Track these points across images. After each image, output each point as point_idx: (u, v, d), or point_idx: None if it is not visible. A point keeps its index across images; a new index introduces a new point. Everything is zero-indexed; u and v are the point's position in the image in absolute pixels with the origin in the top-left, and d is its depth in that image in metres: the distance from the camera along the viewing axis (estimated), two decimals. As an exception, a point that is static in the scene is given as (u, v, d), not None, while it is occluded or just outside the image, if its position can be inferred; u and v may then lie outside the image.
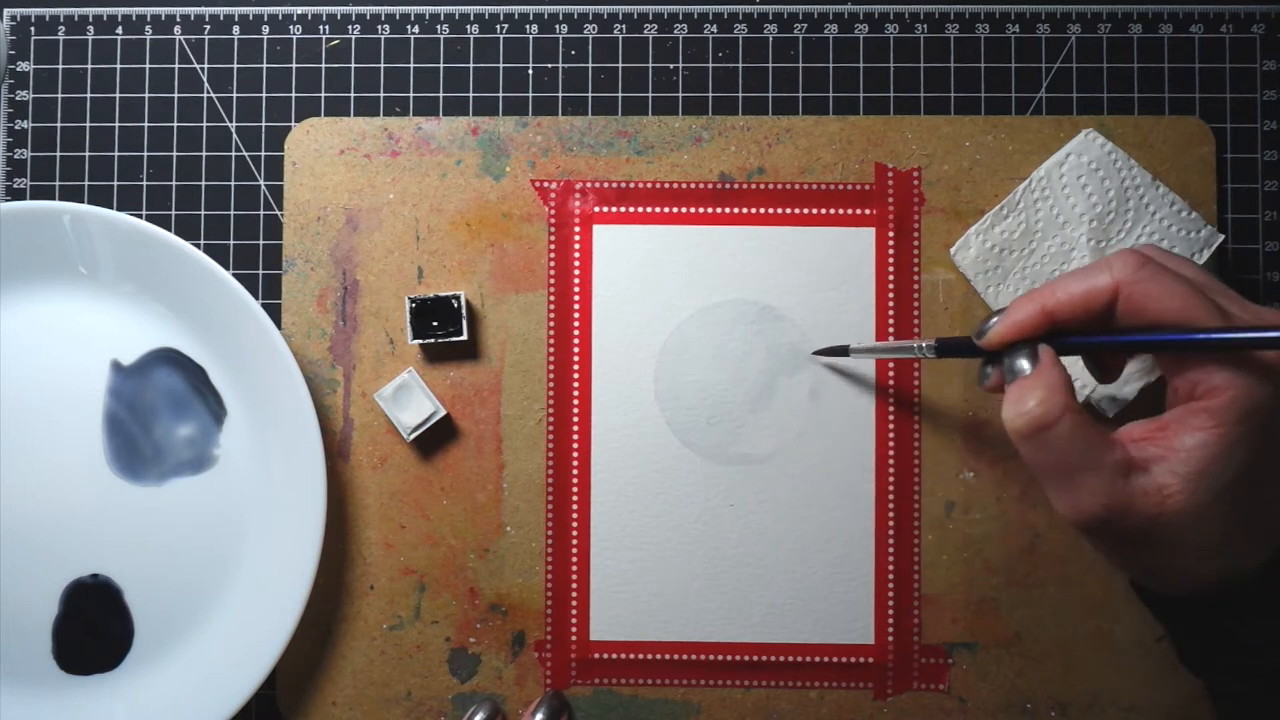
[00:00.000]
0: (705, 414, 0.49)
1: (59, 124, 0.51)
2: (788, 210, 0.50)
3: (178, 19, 0.51)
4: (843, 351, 0.48)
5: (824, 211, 0.50)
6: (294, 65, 0.51)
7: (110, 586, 0.49)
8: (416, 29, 0.51)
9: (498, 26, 0.51)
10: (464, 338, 0.48)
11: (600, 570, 0.49)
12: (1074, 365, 0.48)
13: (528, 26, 0.51)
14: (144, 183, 0.51)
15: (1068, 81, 0.51)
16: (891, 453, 0.49)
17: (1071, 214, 0.48)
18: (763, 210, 0.50)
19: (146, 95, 0.51)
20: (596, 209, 0.50)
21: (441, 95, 0.51)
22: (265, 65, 0.51)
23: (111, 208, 0.50)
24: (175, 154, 0.51)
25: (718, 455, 0.49)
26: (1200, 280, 0.36)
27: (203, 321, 0.49)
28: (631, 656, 0.49)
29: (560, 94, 0.51)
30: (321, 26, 0.51)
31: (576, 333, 0.50)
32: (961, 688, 0.49)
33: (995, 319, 0.38)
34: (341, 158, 0.50)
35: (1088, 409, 0.49)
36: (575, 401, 0.49)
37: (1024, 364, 0.36)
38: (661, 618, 0.49)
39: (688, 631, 0.49)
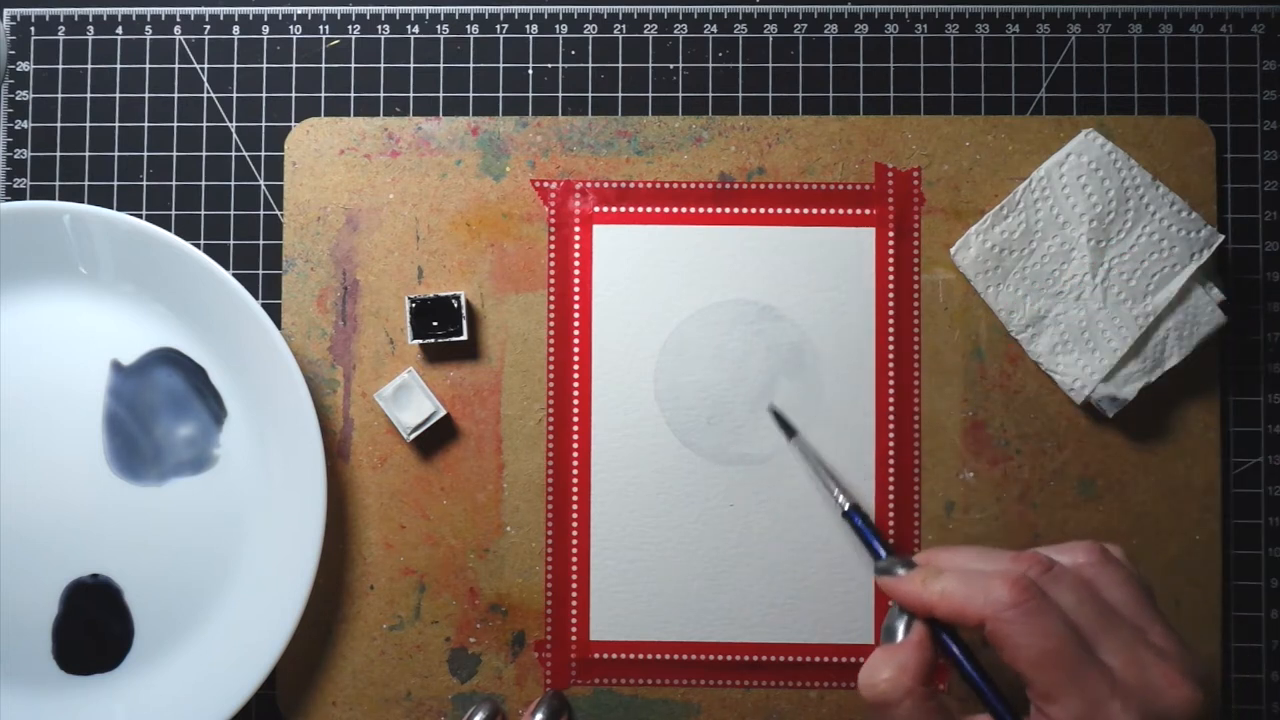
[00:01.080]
0: (705, 414, 0.49)
1: (59, 124, 0.51)
2: (788, 210, 0.50)
3: (178, 19, 0.51)
4: (789, 430, 0.49)
5: (824, 211, 0.50)
6: (294, 65, 0.51)
7: (110, 586, 0.49)
8: (416, 29, 0.51)
9: (498, 26, 0.51)
10: (464, 338, 0.48)
11: (600, 570, 0.49)
12: (1076, 365, 0.48)
13: (528, 26, 0.51)
14: (144, 183, 0.51)
15: (1068, 81, 0.51)
16: (891, 453, 0.49)
17: (1071, 214, 0.48)
18: (763, 210, 0.50)
19: (146, 95, 0.51)
20: (596, 209, 0.50)
21: (441, 95, 0.51)
22: (265, 65, 0.51)
23: (111, 208, 0.50)
24: (175, 154, 0.51)
25: (718, 455, 0.49)
26: (1092, 622, 0.35)
27: (203, 321, 0.49)
28: (631, 656, 0.49)
29: (560, 94, 0.51)
30: (321, 26, 0.51)
31: (576, 333, 0.50)
32: (961, 688, 0.49)
33: (889, 566, 0.40)
34: (341, 158, 0.50)
35: (1088, 408, 0.49)
36: (575, 401, 0.49)
37: (898, 627, 0.38)
38: (661, 618, 0.49)
39: (688, 631, 0.49)
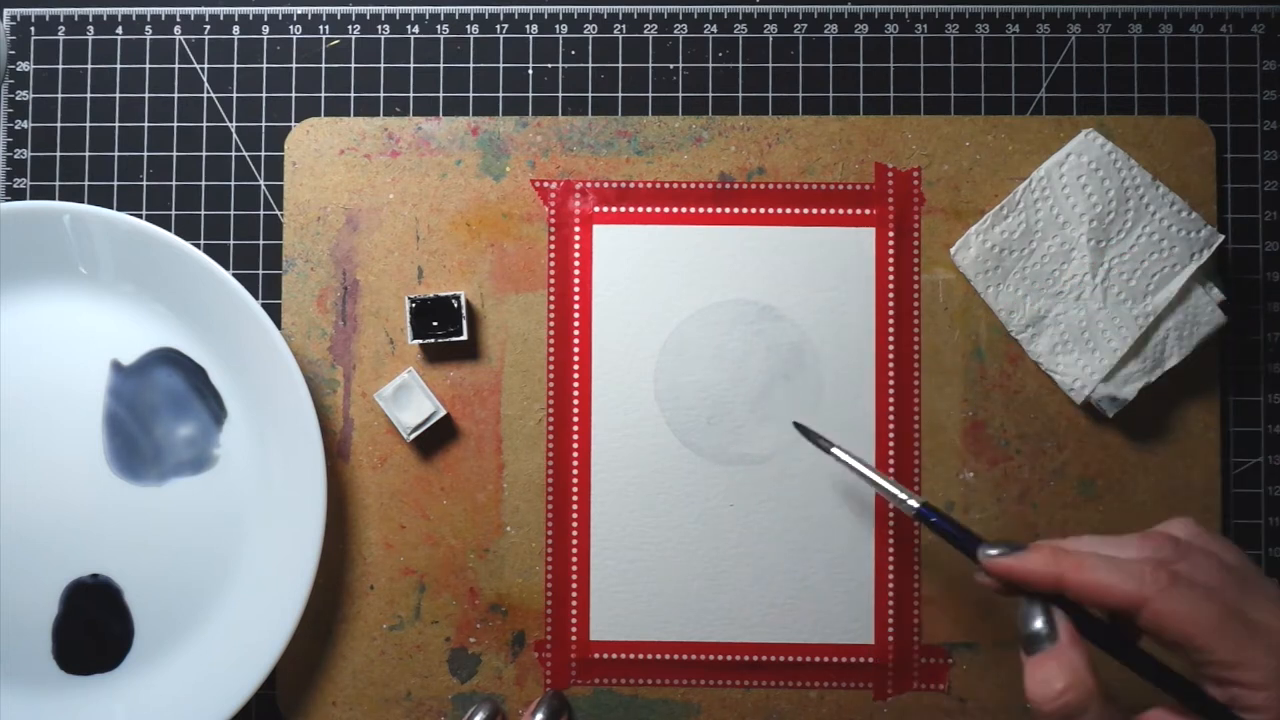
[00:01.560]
0: (705, 414, 0.49)
1: (59, 124, 0.51)
2: (788, 210, 0.50)
3: (178, 19, 0.51)
4: (824, 445, 0.46)
5: (824, 211, 0.50)
6: (294, 65, 0.51)
7: (110, 586, 0.49)
8: (416, 29, 0.51)
9: (498, 26, 0.51)
10: (464, 338, 0.48)
11: (600, 570, 0.49)
12: (1076, 365, 0.48)
13: (528, 26, 0.51)
14: (144, 183, 0.51)
15: (1068, 81, 0.51)
16: (891, 453, 0.49)
17: (1071, 214, 0.48)
18: (763, 210, 0.50)
19: (146, 95, 0.51)
20: (596, 209, 0.50)
21: (441, 95, 0.51)
22: (265, 65, 0.51)
23: (111, 208, 0.50)
24: (175, 154, 0.51)
25: (718, 455, 0.49)
26: (1232, 587, 0.35)
27: (203, 321, 0.49)
28: (631, 656, 0.49)
29: (560, 94, 0.51)
30: (321, 26, 0.51)
31: (576, 333, 0.50)
32: (961, 688, 0.49)
33: (1004, 550, 0.37)
34: (341, 158, 0.50)
35: (1088, 408, 0.49)
36: (575, 401, 0.49)
37: (1039, 625, 0.36)
38: (661, 618, 0.49)
39: (688, 631, 0.49)
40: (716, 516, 0.49)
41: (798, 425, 0.47)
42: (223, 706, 0.47)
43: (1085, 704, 0.34)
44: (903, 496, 0.42)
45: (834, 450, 0.45)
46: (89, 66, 0.51)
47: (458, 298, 0.48)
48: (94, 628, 0.49)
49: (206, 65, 0.51)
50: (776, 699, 0.49)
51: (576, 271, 0.50)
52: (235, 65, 0.51)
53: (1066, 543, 0.37)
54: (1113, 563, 0.35)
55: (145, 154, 0.51)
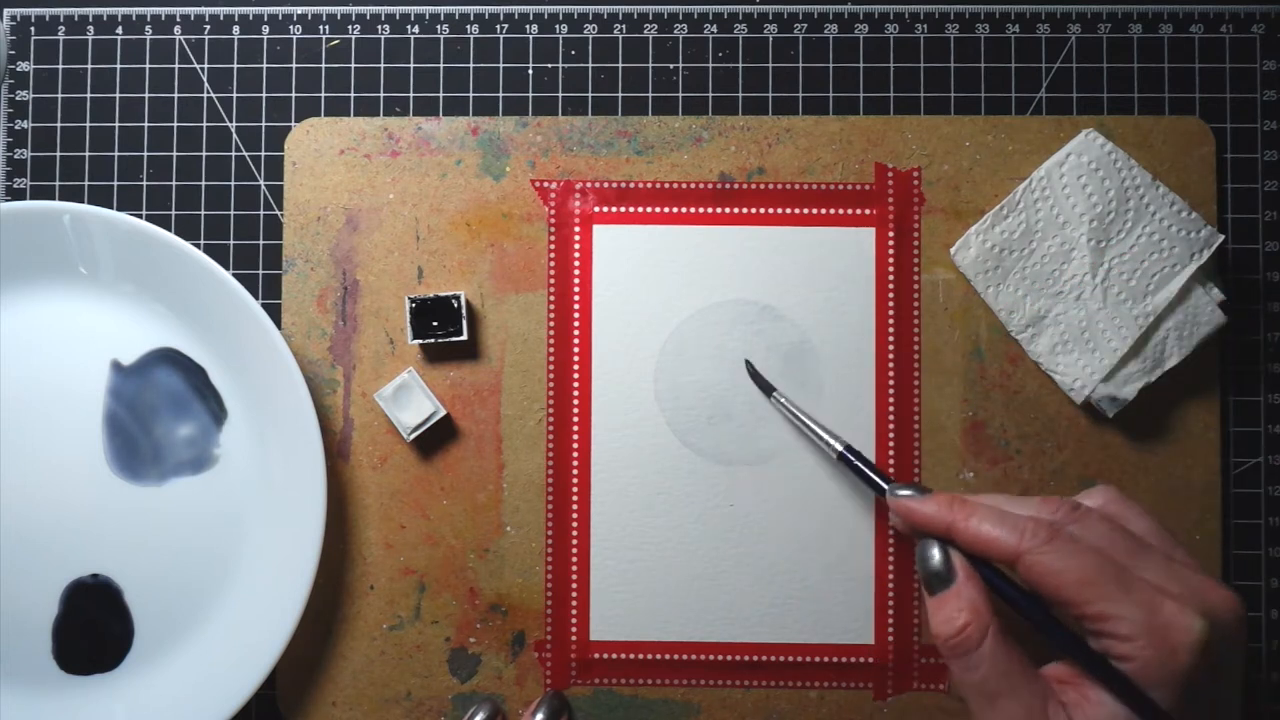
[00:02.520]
0: (705, 414, 0.49)
1: (59, 124, 0.51)
2: (788, 210, 0.50)
3: (178, 19, 0.51)
4: (766, 388, 0.49)
5: (824, 211, 0.50)
6: (294, 65, 0.51)
7: (110, 586, 0.49)
8: (416, 29, 0.51)
9: (498, 26, 0.51)
10: (464, 338, 0.48)
11: (600, 570, 0.49)
12: (1076, 365, 0.48)
13: (528, 26, 0.51)
14: (144, 183, 0.51)
15: (1068, 81, 0.51)
16: (891, 453, 0.49)
17: (1071, 214, 0.48)
18: (763, 210, 0.50)
19: (146, 95, 0.51)
20: (596, 209, 0.50)
21: (441, 95, 0.51)
22: (265, 65, 0.51)
23: (111, 208, 0.50)
24: (175, 154, 0.51)
25: (718, 455, 0.49)
26: (1120, 549, 0.36)
27: (203, 321, 0.49)
28: (631, 656, 0.49)
29: (560, 94, 0.51)
30: (321, 26, 0.51)
31: (576, 333, 0.50)
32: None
33: (911, 492, 0.40)
34: (341, 158, 0.50)
35: (1088, 408, 0.49)
36: (575, 401, 0.49)
37: (938, 564, 0.38)
38: (661, 618, 0.49)
39: (688, 631, 0.49)
40: (716, 516, 0.49)
41: (749, 364, 0.49)
42: (223, 706, 0.47)
43: (982, 637, 0.36)
44: (828, 439, 0.46)
45: (774, 396, 0.48)
46: (89, 66, 0.51)
47: (458, 298, 0.48)
48: (94, 628, 0.49)
49: (206, 65, 0.51)
50: (776, 699, 0.49)
51: (576, 271, 0.50)
52: (235, 65, 0.51)
53: (970, 498, 0.39)
54: (1000, 515, 0.37)
55: (145, 154, 0.51)
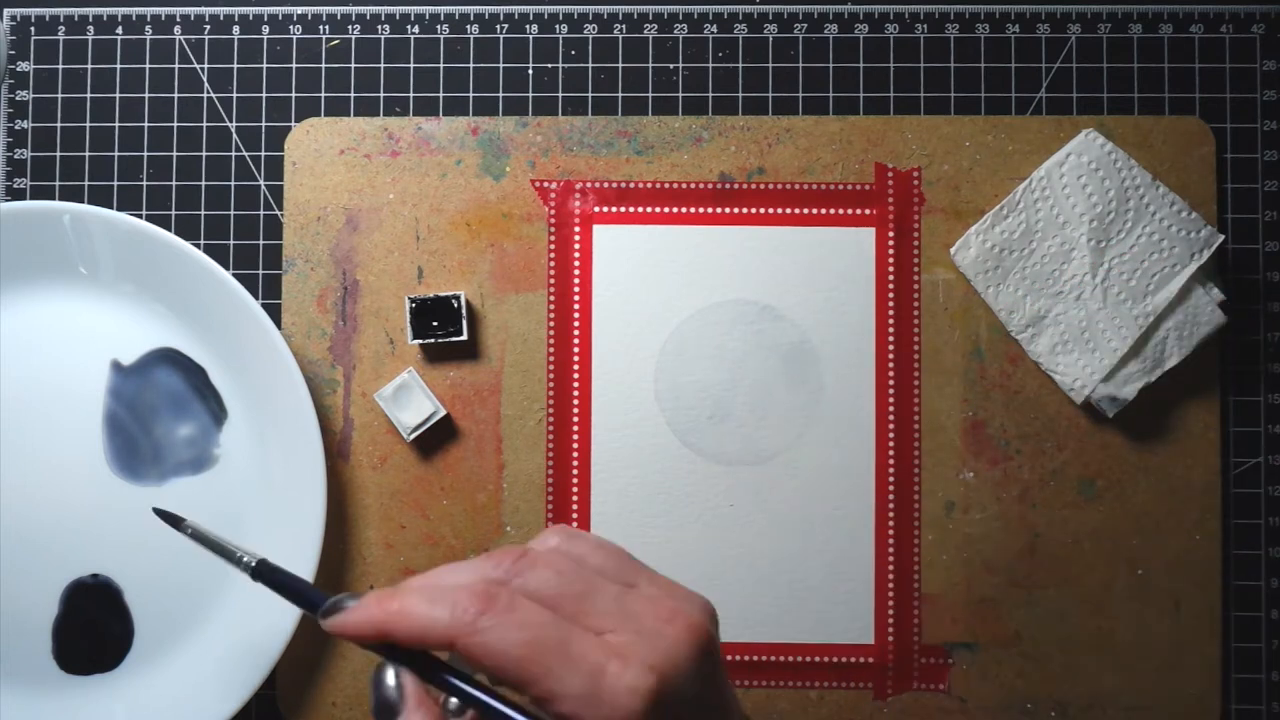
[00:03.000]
0: (705, 414, 0.49)
1: (59, 124, 0.51)
2: (788, 210, 0.50)
3: (178, 19, 0.51)
4: (175, 522, 0.39)
5: (824, 211, 0.50)
6: (294, 65, 0.51)
7: (110, 586, 0.49)
8: (416, 29, 0.51)
9: (498, 26, 0.51)
10: (464, 338, 0.48)
11: (600, 570, 0.49)
12: (1076, 365, 0.48)
13: (528, 26, 0.51)
14: (144, 183, 0.51)
15: (1068, 81, 0.51)
16: (891, 453, 0.49)
17: (1071, 214, 0.48)
18: (763, 210, 0.50)
19: (146, 95, 0.51)
20: (596, 209, 0.50)
21: (441, 95, 0.51)
22: (265, 65, 0.51)
23: (111, 208, 0.50)
24: (175, 154, 0.51)
25: (718, 455, 0.49)
26: (571, 598, 0.32)
27: (203, 321, 0.49)
28: (631, 656, 0.49)
29: (560, 94, 0.51)
30: (321, 26, 0.51)
31: (576, 333, 0.50)
32: (961, 688, 0.49)
33: (334, 604, 0.32)
34: (341, 158, 0.50)
35: (1088, 408, 0.49)
36: (575, 401, 0.49)
37: (390, 689, 0.32)
38: (661, 618, 0.49)
39: (688, 631, 0.49)
40: (716, 516, 0.49)
41: (156, 511, 0.40)
42: (223, 706, 0.47)
43: None
44: (241, 557, 0.36)
45: (184, 527, 0.39)
46: (89, 66, 0.51)
47: (458, 298, 0.48)
48: (94, 628, 0.49)
49: (206, 65, 0.51)
50: (776, 699, 0.49)
51: (576, 271, 0.50)
52: (235, 65, 0.51)
53: (412, 580, 0.32)
54: (431, 594, 0.31)
55: (145, 154, 0.51)
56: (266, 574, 0.35)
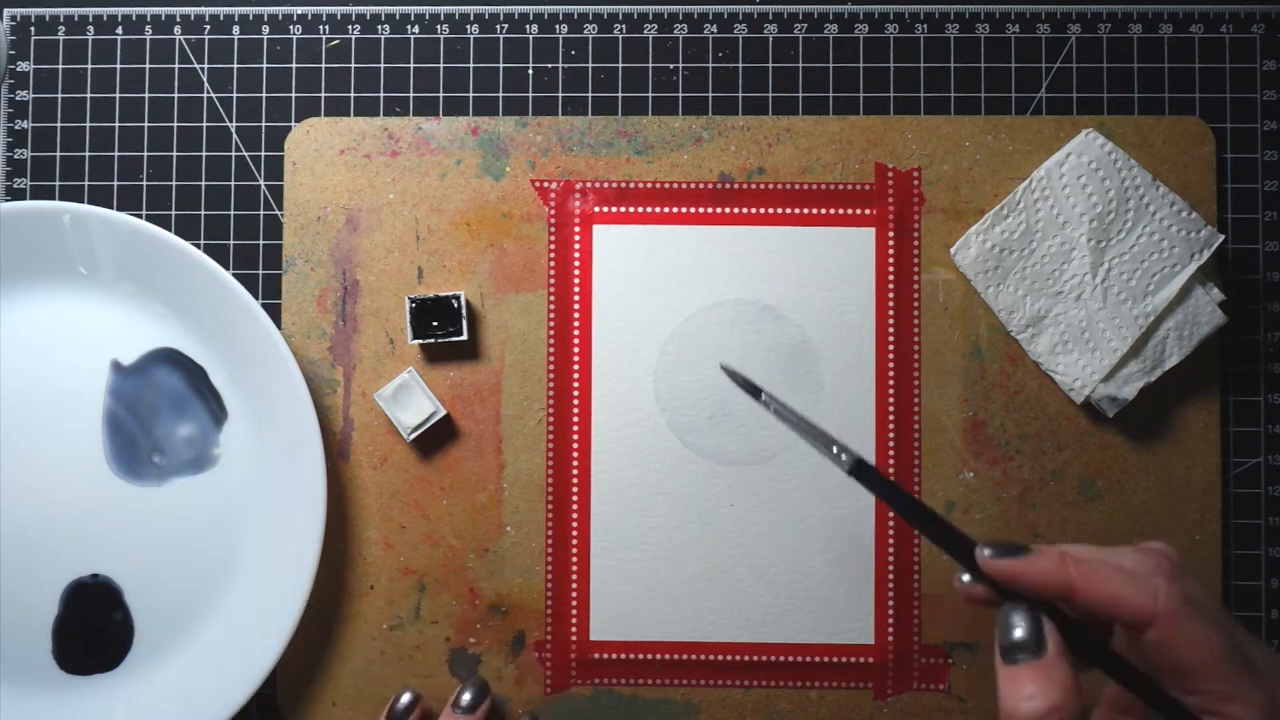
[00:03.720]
0: (705, 414, 0.49)
1: (59, 124, 0.51)
2: (788, 210, 0.50)
3: (178, 19, 0.51)
4: (753, 390, 0.40)
5: (824, 211, 0.50)
6: (294, 65, 0.51)
7: (110, 586, 0.49)
8: (416, 29, 0.51)
9: (498, 26, 0.51)
10: (464, 338, 0.48)
11: (600, 570, 0.49)
12: (1076, 365, 0.48)
13: (528, 26, 0.51)
14: (144, 183, 0.51)
15: (1068, 81, 0.51)
16: (891, 452, 0.49)
17: (1071, 214, 0.48)
18: (763, 210, 0.50)
19: (146, 95, 0.51)
20: (596, 209, 0.50)
21: (441, 95, 0.51)
22: (265, 65, 0.51)
23: (111, 208, 0.50)
24: (175, 154, 0.51)
25: (718, 455, 0.49)
26: (1228, 617, 0.34)
27: (203, 321, 0.49)
28: (631, 656, 0.49)
29: (560, 94, 0.51)
30: (321, 26, 0.51)
31: (576, 333, 0.50)
32: (961, 688, 0.49)
33: (1006, 551, 0.34)
34: (341, 158, 0.50)
35: (1088, 408, 0.49)
36: (575, 401, 0.49)
37: (1024, 634, 0.33)
38: (661, 618, 0.49)
39: (688, 631, 0.49)
40: (716, 516, 0.49)
41: (725, 369, 0.41)
42: (223, 706, 0.47)
43: None
44: (834, 447, 0.36)
45: (764, 397, 0.39)
46: (89, 66, 0.51)
47: (458, 298, 0.48)
48: (94, 628, 0.49)
49: (206, 65, 0.51)
50: (776, 699, 0.49)
51: (576, 271, 0.50)
52: (235, 65, 0.51)
53: (1070, 549, 0.34)
54: (1124, 573, 0.33)
55: (145, 154, 0.51)
56: (864, 475, 0.35)
